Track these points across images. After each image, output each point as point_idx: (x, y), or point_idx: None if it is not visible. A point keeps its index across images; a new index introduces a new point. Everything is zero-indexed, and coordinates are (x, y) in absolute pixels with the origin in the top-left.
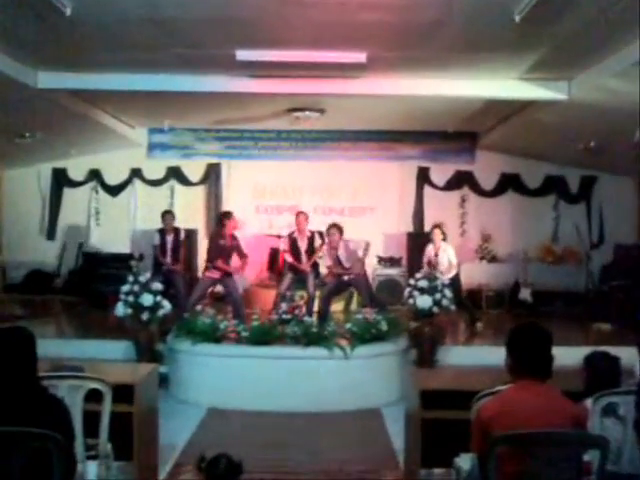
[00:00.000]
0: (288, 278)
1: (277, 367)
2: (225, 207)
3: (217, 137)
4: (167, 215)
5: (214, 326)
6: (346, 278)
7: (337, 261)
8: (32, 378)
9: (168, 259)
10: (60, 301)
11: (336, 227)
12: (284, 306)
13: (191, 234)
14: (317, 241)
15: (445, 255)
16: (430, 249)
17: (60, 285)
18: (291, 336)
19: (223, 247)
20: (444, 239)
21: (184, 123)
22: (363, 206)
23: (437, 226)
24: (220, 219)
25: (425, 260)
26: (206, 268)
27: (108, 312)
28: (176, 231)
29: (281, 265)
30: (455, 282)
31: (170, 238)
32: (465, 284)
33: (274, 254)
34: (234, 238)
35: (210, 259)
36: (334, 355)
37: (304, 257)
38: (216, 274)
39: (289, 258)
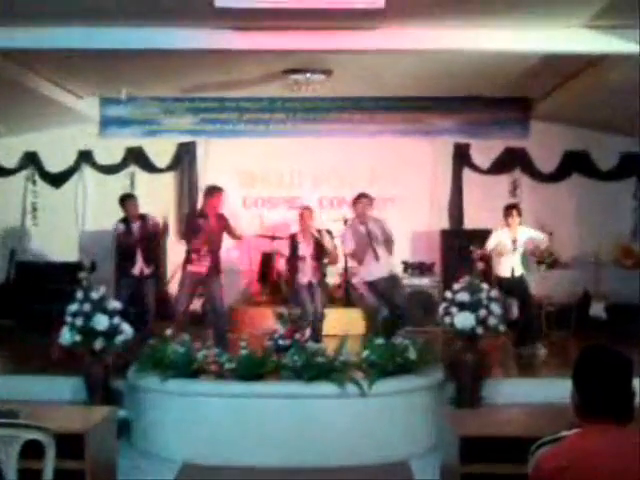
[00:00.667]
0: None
1: (273, 409)
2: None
3: (191, 108)
4: (129, 200)
5: (189, 356)
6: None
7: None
8: None
9: (139, 258)
10: None
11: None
12: (281, 329)
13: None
14: (327, 241)
15: (525, 234)
16: (502, 235)
17: None
18: (290, 368)
19: (203, 228)
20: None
21: (148, 91)
22: (383, 196)
23: (514, 206)
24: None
25: (492, 252)
26: (187, 259)
27: (50, 339)
28: (143, 219)
29: (277, 275)
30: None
31: (137, 227)
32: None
33: (267, 261)
34: (221, 218)
35: (189, 245)
36: (347, 392)
37: (309, 266)
38: (202, 267)
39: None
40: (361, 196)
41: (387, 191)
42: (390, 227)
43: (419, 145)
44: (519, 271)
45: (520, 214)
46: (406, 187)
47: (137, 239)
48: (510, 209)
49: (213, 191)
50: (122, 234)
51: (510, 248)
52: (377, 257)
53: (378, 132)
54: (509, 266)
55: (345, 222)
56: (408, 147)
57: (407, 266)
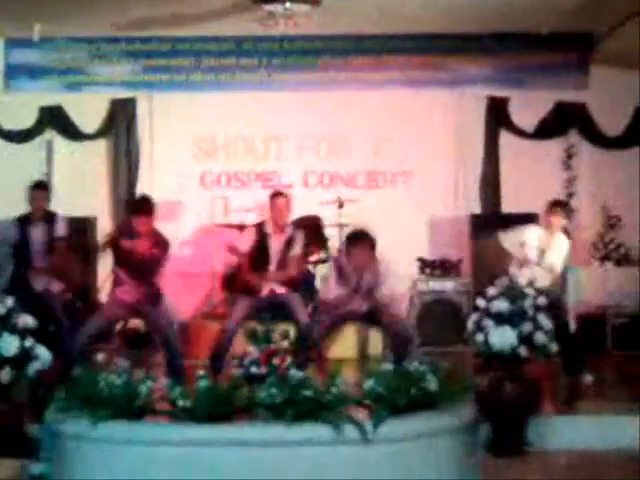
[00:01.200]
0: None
1: (244, 461)
2: (145, 176)
3: (129, 52)
4: (36, 191)
5: (130, 390)
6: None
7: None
8: None
9: (38, 270)
10: None
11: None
12: (254, 352)
13: (83, 226)
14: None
15: (553, 253)
16: (533, 238)
17: None
18: (267, 405)
19: (130, 254)
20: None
21: (70, 29)
22: (392, 170)
23: (559, 203)
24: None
25: (518, 257)
26: (114, 281)
27: None
28: (49, 220)
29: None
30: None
31: (39, 232)
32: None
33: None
34: (157, 243)
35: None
36: (344, 436)
37: (273, 263)
38: (129, 294)
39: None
40: (362, 237)
41: (396, 164)
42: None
43: (440, 99)
44: (543, 283)
45: (568, 216)
46: (423, 158)
47: (36, 250)
48: (554, 206)
49: (144, 204)
50: (16, 245)
51: (534, 259)
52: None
53: (385, 83)
54: (527, 278)
55: (340, 206)
56: (425, 102)
57: (424, 265)
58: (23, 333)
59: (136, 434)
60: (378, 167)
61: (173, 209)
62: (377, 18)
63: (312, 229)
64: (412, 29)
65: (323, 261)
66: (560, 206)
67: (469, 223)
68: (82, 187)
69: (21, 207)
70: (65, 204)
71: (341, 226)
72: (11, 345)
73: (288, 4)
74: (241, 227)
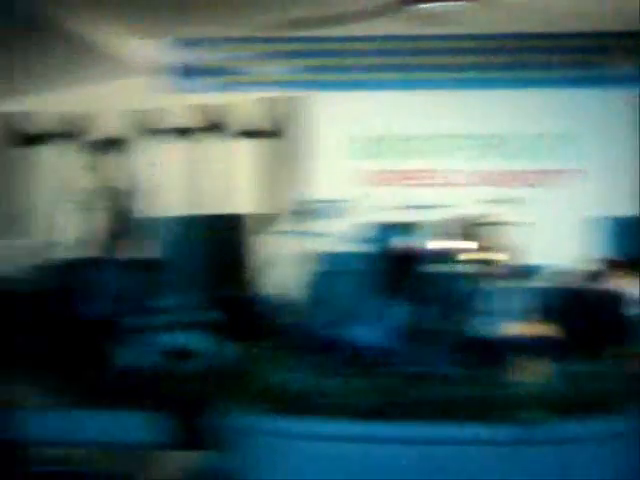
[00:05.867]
0: None
1: (410, 459)
2: (305, 174)
3: (288, 52)
4: None
5: (301, 386)
6: None
7: None
8: None
9: None
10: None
11: None
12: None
13: (238, 224)
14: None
15: None
16: None
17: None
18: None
19: None
20: None
21: (229, 30)
22: (563, 168)
23: None
24: None
25: None
26: None
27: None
28: None
29: None
30: None
31: None
32: None
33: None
34: None
35: None
36: (513, 437)
37: None
38: None
39: None
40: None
41: (567, 161)
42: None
43: (615, 97)
44: None
45: None
46: (597, 155)
47: None
48: None
49: None
50: None
51: None
52: None
53: (554, 81)
54: None
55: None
56: (600, 100)
57: (612, 264)
58: (209, 328)
59: (305, 429)
60: (546, 166)
61: (333, 207)
62: (541, 14)
63: None
64: (584, 26)
65: None
66: None
67: None
68: (239, 186)
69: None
70: (223, 203)
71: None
72: (190, 339)
73: (442, 4)
74: (401, 225)
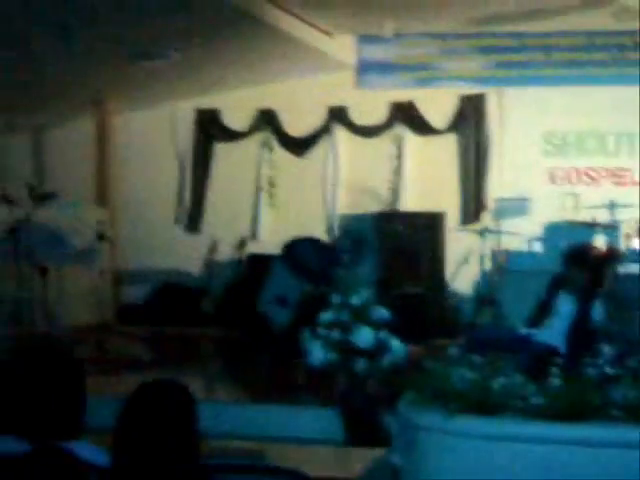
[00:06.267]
0: None
1: (595, 462)
2: (494, 172)
3: (480, 48)
4: None
5: (482, 385)
6: None
7: None
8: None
9: None
10: (211, 337)
11: None
12: (608, 351)
13: (432, 222)
14: None
15: None
16: None
17: (210, 309)
18: (621, 406)
19: None
20: None
21: (420, 25)
22: None
23: None
24: None
25: None
26: None
27: (294, 358)
28: None
29: None
30: None
31: None
32: None
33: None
34: None
35: None
36: None
37: None
38: None
39: None
40: None
41: None
42: None
43: None
44: None
45: None
46: None
47: None
48: None
49: None
50: None
51: None
52: None
53: None
54: None
55: None
56: None
57: None
58: (377, 325)
59: (489, 429)
60: None
61: (522, 205)
62: None
63: None
64: None
65: None
66: None
67: None
68: (431, 182)
69: (373, 196)
70: (414, 199)
71: None
72: (366, 337)
73: None
74: (593, 224)
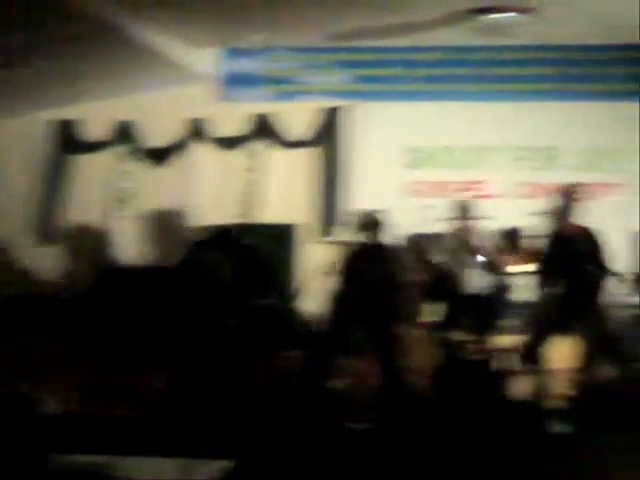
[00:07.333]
0: None
1: None
2: (352, 184)
3: (342, 62)
4: None
5: None
6: None
7: None
8: None
9: None
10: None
11: None
12: None
13: (286, 234)
14: None
15: None
16: None
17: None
18: None
19: None
20: None
21: (285, 39)
22: (600, 182)
23: None
24: None
25: None
26: None
27: None
28: None
29: None
30: None
31: None
32: None
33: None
34: None
35: None
36: None
37: None
38: None
39: None
40: None
41: (607, 175)
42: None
43: None
44: None
45: None
46: (634, 170)
47: None
48: None
49: None
50: None
51: None
52: None
53: (596, 94)
54: None
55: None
56: (637, 115)
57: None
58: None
59: None
60: (590, 179)
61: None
62: (590, 29)
63: None
64: (626, 40)
65: None
66: None
67: None
68: (290, 195)
69: (227, 214)
70: (273, 212)
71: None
72: None
73: (504, 14)
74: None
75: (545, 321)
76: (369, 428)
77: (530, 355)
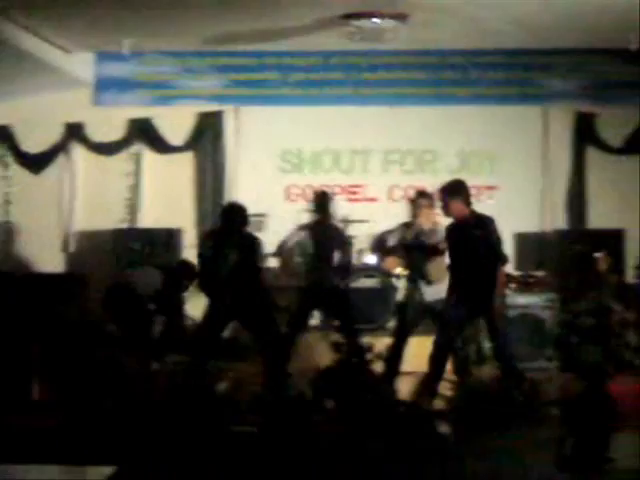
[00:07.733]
0: None
1: None
2: (230, 189)
3: (217, 67)
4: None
5: None
6: None
7: None
8: None
9: None
10: None
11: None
12: None
13: (168, 239)
14: None
15: None
16: None
17: None
18: None
19: None
20: None
21: (159, 43)
22: (476, 184)
23: None
24: None
25: None
26: None
27: None
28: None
29: None
30: None
31: None
32: None
33: None
34: None
35: None
36: None
37: None
38: None
39: None
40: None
41: (481, 177)
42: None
43: (526, 115)
44: None
45: None
46: (507, 172)
47: None
48: None
49: None
50: None
51: None
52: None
53: (472, 98)
54: None
55: None
56: (511, 118)
57: (509, 279)
58: None
59: None
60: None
61: (259, 221)
62: (464, 33)
63: None
64: (501, 44)
65: None
66: None
67: (555, 239)
68: (170, 199)
69: (113, 217)
70: (154, 216)
71: None
72: None
73: (376, 20)
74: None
75: (403, 321)
76: (252, 431)
77: (394, 358)
